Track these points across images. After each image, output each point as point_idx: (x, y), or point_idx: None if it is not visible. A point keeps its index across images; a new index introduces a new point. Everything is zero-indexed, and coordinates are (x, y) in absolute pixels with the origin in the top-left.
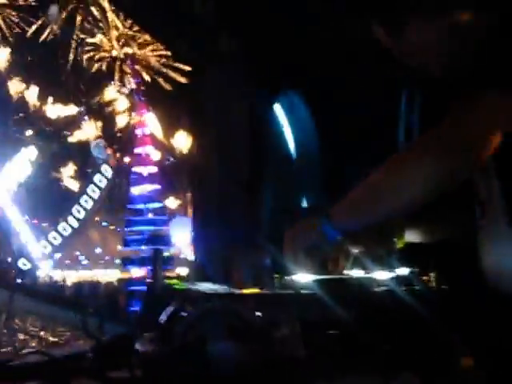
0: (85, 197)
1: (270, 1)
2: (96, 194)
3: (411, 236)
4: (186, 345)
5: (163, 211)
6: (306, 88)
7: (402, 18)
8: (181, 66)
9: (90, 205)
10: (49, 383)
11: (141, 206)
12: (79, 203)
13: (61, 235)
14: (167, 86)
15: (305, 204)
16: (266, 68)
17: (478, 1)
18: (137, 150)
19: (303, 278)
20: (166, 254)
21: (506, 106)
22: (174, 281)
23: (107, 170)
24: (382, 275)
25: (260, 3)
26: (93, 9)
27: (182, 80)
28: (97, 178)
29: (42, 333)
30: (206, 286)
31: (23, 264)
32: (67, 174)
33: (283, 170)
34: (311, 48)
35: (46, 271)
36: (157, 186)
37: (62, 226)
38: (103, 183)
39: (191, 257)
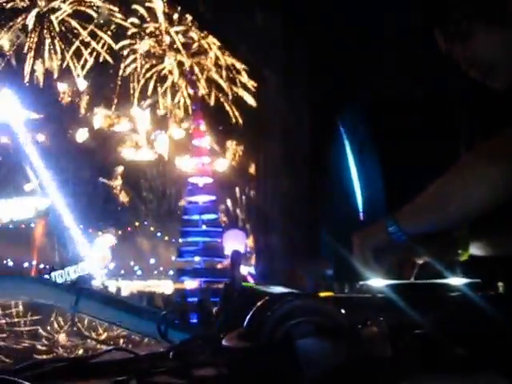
0: None
1: (336, 12)
2: None
3: (477, 249)
4: (274, 341)
5: (217, 223)
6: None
7: (467, 26)
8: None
9: None
10: (133, 380)
11: (195, 217)
12: None
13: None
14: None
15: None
16: (329, 84)
17: None
18: (194, 160)
19: (377, 282)
20: (219, 266)
21: None
22: (250, 283)
23: None
24: (456, 281)
25: (327, 16)
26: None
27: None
28: None
29: (113, 333)
30: (280, 289)
31: (76, 271)
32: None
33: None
34: (374, 64)
35: (101, 280)
36: (212, 197)
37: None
38: None
39: (245, 270)
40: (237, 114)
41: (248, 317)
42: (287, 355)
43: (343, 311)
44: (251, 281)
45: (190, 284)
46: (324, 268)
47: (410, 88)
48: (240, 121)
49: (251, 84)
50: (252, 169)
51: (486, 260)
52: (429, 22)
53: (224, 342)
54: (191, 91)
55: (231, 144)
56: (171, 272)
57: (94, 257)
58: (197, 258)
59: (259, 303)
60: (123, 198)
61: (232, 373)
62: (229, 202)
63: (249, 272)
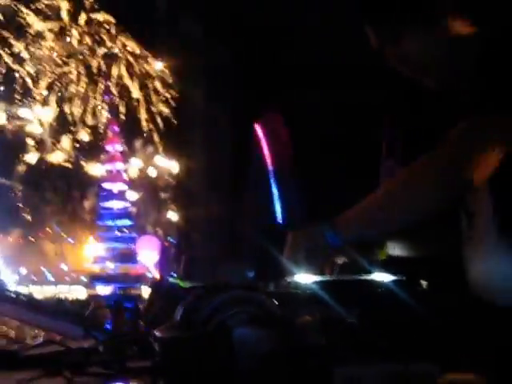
0: None
1: (261, 13)
2: None
3: (395, 249)
4: (208, 331)
5: (132, 229)
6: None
7: (399, 26)
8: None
9: None
10: (67, 372)
11: (110, 223)
12: None
13: None
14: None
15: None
16: (253, 83)
17: (478, 14)
18: (107, 167)
19: (305, 279)
20: (132, 271)
21: (502, 124)
22: (178, 280)
23: None
24: (380, 277)
25: (250, 12)
26: None
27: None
28: None
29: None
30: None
31: None
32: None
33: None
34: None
35: (11, 286)
36: (126, 204)
37: None
38: None
39: (157, 276)
40: (151, 126)
41: (180, 309)
42: (222, 344)
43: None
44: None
45: (104, 290)
46: (245, 270)
47: (328, 98)
48: (154, 129)
49: (169, 93)
50: (169, 177)
51: (409, 259)
52: (362, 23)
53: (157, 333)
54: (106, 98)
55: (145, 150)
56: (83, 278)
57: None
58: (110, 264)
59: (191, 295)
60: (35, 202)
61: (166, 362)
62: (144, 208)
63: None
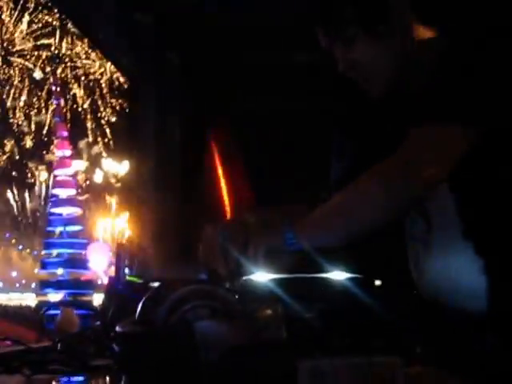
0: None
1: (211, 25)
2: None
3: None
4: (169, 325)
5: (82, 234)
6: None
7: (349, 31)
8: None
9: None
10: (26, 370)
11: (59, 229)
12: None
13: None
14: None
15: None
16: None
17: (434, 23)
18: (56, 172)
19: (262, 277)
20: (83, 278)
21: (447, 135)
22: (134, 277)
23: None
24: (336, 275)
25: (202, 14)
26: None
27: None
28: None
29: None
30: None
31: None
32: None
33: None
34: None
35: None
36: (76, 209)
37: None
38: None
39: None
40: (93, 127)
41: (140, 304)
42: (184, 337)
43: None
44: None
45: (54, 296)
46: (195, 271)
47: (279, 101)
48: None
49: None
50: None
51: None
52: (312, 22)
53: (117, 329)
54: (54, 101)
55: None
56: (33, 284)
57: None
58: (60, 270)
59: (151, 290)
60: None
61: (127, 357)
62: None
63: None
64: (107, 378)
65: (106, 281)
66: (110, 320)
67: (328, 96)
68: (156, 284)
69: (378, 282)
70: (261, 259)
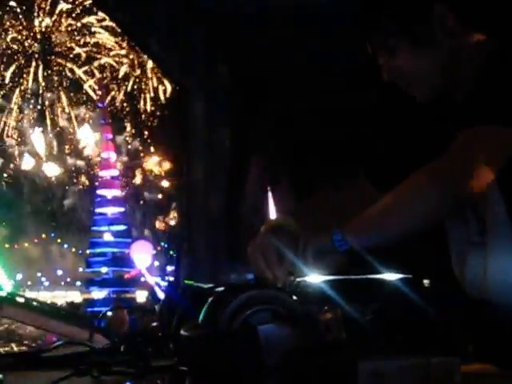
0: None
1: (257, 25)
2: None
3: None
4: (233, 329)
5: (126, 234)
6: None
7: (392, 42)
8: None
9: None
10: (94, 371)
11: (104, 228)
12: None
13: None
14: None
15: None
16: (247, 96)
17: (477, 26)
18: (102, 173)
19: (315, 279)
20: (127, 276)
21: (499, 136)
22: (191, 281)
23: None
24: (389, 276)
25: (250, 28)
26: None
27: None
28: None
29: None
30: (219, 288)
31: None
32: None
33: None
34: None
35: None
36: (121, 209)
37: None
38: None
39: (151, 280)
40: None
41: (204, 309)
42: (247, 341)
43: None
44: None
45: (98, 294)
46: (244, 272)
47: (320, 103)
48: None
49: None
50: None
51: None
52: (361, 28)
53: (182, 332)
54: (100, 105)
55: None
56: (79, 283)
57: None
58: (104, 269)
59: (214, 295)
60: (30, 209)
61: (194, 360)
62: (139, 214)
63: (156, 282)
64: (171, 380)
65: (149, 279)
66: (176, 323)
67: (374, 96)
68: (218, 288)
69: (426, 282)
70: (310, 260)
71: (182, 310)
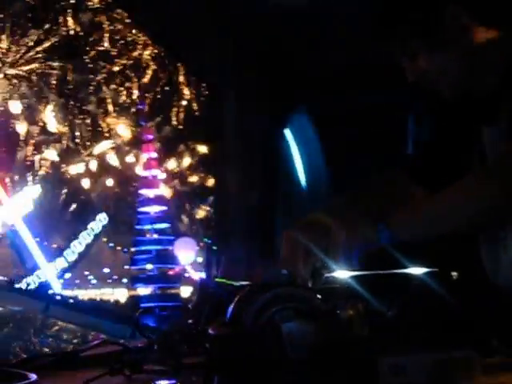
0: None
1: (288, 27)
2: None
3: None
4: (258, 327)
5: (169, 231)
6: (316, 108)
7: (412, 44)
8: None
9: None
10: (126, 370)
11: (147, 227)
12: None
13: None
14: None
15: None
16: (279, 91)
17: (498, 23)
18: (144, 173)
19: (343, 274)
20: (171, 272)
21: None
22: (223, 279)
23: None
24: (415, 271)
25: (277, 28)
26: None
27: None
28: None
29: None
30: (246, 283)
31: (34, 282)
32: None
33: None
34: (324, 71)
35: (58, 290)
36: (163, 208)
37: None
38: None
39: (195, 276)
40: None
41: (231, 307)
42: (272, 338)
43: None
44: None
45: (144, 290)
46: (277, 270)
47: (356, 100)
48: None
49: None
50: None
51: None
52: (377, 37)
53: (210, 331)
54: (140, 106)
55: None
56: (125, 280)
57: (50, 268)
58: (149, 266)
59: (240, 294)
60: (76, 210)
61: (220, 357)
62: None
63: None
64: (201, 377)
65: (193, 274)
66: (204, 321)
67: (407, 92)
68: (245, 287)
69: (454, 276)
70: (354, 258)
71: (211, 308)
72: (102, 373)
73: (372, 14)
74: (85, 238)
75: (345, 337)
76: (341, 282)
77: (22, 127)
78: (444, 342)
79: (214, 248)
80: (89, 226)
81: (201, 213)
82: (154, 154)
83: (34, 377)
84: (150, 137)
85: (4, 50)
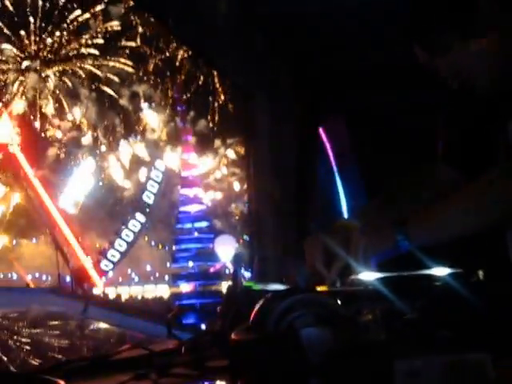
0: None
1: (320, 29)
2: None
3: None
4: (278, 333)
5: (209, 229)
6: (349, 109)
7: (444, 39)
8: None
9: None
10: (152, 373)
11: (188, 225)
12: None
13: (118, 253)
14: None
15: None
16: (312, 93)
17: None
18: (183, 174)
19: (368, 276)
20: (211, 269)
21: None
22: (251, 283)
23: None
24: (439, 271)
25: (310, 31)
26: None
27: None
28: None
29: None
30: (278, 286)
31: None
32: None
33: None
34: (356, 73)
35: (101, 289)
36: (202, 207)
37: (117, 243)
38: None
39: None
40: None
41: (253, 312)
42: (292, 344)
43: (339, 302)
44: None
45: (186, 287)
46: (303, 272)
47: (388, 101)
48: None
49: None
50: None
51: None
52: (407, 36)
53: (233, 336)
54: (179, 108)
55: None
56: (166, 277)
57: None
58: (190, 263)
59: (263, 299)
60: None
61: (241, 362)
62: (220, 209)
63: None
64: (226, 381)
65: (232, 271)
66: (229, 326)
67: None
68: (271, 290)
69: (479, 276)
70: (371, 262)
71: (236, 313)
72: (127, 379)
73: (407, 11)
74: (128, 236)
75: (362, 341)
76: (365, 284)
77: (54, 124)
78: (462, 344)
79: (239, 252)
80: (129, 225)
81: (238, 210)
82: (194, 155)
83: None
84: (190, 137)
85: (36, 47)
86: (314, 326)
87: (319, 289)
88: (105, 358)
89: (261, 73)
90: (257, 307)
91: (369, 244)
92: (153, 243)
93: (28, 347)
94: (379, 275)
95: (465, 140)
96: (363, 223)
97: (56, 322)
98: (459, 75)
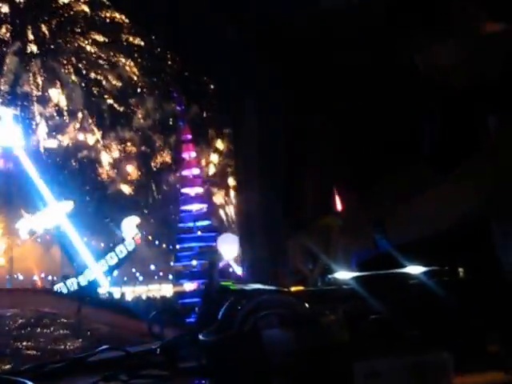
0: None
1: (307, 27)
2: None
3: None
4: (243, 333)
5: (211, 228)
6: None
7: (421, 38)
8: None
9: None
10: (125, 374)
11: (190, 224)
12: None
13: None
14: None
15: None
16: (301, 94)
17: (502, 12)
18: (184, 173)
19: (344, 275)
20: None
21: None
22: (228, 282)
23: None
24: (414, 270)
25: (298, 30)
26: None
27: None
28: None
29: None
30: (256, 286)
31: (84, 280)
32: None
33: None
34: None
35: (106, 288)
36: (204, 205)
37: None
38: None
39: (239, 270)
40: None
41: (221, 312)
42: (254, 344)
43: (306, 303)
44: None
45: (189, 286)
46: (287, 272)
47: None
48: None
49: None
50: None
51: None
52: (389, 36)
53: (200, 336)
54: (178, 108)
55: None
56: (170, 276)
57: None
58: (193, 262)
59: (231, 299)
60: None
61: (208, 363)
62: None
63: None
64: (195, 382)
65: (236, 269)
66: (201, 324)
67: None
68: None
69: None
70: (350, 262)
71: (207, 313)
72: (95, 380)
73: (386, 14)
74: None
75: (323, 343)
76: (340, 283)
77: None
78: (427, 344)
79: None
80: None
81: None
82: (194, 154)
83: None
84: (189, 137)
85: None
86: (277, 327)
87: (293, 289)
88: (79, 359)
89: (248, 73)
90: (224, 308)
91: (348, 243)
92: (157, 242)
93: (6, 350)
94: (355, 274)
95: (446, 136)
96: (343, 223)
97: (46, 323)
98: (436, 73)
